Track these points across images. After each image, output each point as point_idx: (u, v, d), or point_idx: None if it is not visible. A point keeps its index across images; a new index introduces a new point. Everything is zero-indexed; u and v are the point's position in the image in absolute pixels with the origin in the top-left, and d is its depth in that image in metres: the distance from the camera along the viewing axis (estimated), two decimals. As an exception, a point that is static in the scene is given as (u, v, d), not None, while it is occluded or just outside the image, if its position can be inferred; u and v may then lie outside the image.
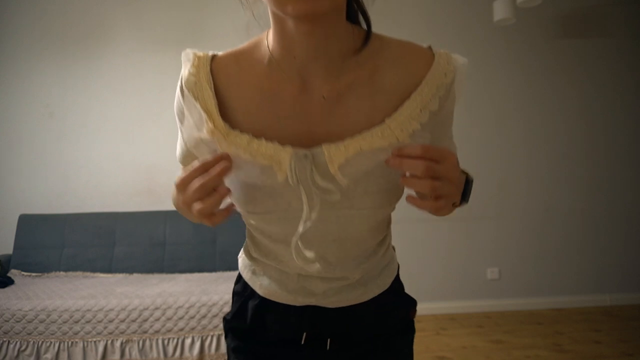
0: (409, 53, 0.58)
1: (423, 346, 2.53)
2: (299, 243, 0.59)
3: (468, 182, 0.59)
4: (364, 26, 0.59)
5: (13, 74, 3.13)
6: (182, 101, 0.59)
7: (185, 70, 0.58)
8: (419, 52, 0.59)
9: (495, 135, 3.25)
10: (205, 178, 0.50)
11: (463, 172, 0.59)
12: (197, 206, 0.51)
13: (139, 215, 2.92)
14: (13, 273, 2.70)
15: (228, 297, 2.06)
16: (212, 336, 2.01)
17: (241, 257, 0.75)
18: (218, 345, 2.00)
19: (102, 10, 3.18)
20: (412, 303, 0.77)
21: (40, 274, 2.72)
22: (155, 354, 1.98)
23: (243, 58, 0.58)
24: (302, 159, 0.54)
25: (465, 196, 0.58)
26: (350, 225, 0.60)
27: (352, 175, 0.55)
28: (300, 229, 0.56)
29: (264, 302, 0.70)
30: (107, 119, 3.14)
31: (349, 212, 0.59)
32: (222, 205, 0.54)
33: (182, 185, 0.52)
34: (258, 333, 0.71)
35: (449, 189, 0.51)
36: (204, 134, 0.56)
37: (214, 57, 0.59)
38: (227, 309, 2.02)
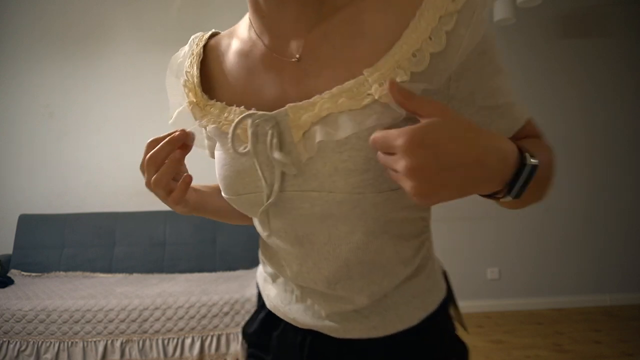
0: None
1: (423, 346, 2.53)
2: (278, 242, 0.52)
3: (524, 166, 0.40)
4: None
5: (13, 74, 3.13)
6: (168, 80, 0.60)
7: (181, 52, 0.59)
8: None
9: (495, 135, 3.24)
10: (155, 148, 0.50)
11: (520, 151, 0.41)
12: (152, 179, 0.50)
13: (139, 215, 2.92)
14: (13, 273, 2.70)
15: (228, 297, 2.06)
16: (212, 336, 2.01)
17: (259, 267, 0.70)
18: (218, 345, 2.00)
19: (102, 10, 3.18)
20: (459, 351, 0.59)
21: (40, 274, 2.71)
22: (155, 354, 1.98)
23: (235, 31, 0.56)
24: (263, 124, 0.46)
25: (513, 185, 0.40)
26: (332, 219, 0.48)
27: (323, 145, 0.44)
28: (264, 203, 0.48)
29: (271, 317, 0.63)
30: (107, 119, 3.14)
31: (322, 196, 0.46)
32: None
33: (142, 165, 0.52)
34: (266, 348, 0.64)
35: (411, 162, 0.35)
36: (185, 107, 0.55)
37: (214, 35, 0.59)
38: (227, 309, 2.03)
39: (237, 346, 1.99)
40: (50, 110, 3.13)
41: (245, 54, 0.52)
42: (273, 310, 0.63)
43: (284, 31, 0.48)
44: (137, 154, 3.23)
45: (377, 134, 0.38)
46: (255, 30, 0.51)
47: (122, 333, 1.99)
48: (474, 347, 2.51)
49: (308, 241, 0.52)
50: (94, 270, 2.74)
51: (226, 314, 2.03)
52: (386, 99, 0.41)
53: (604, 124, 3.28)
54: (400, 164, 0.36)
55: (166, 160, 0.51)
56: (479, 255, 3.21)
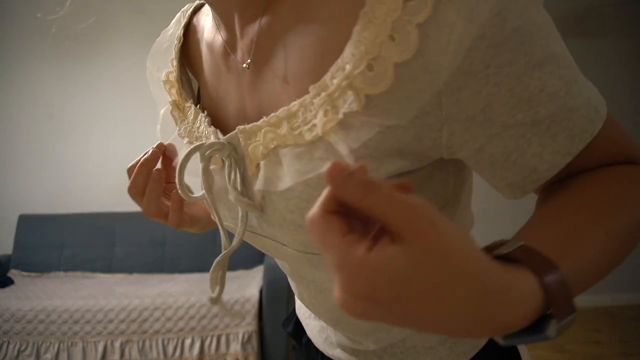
0: None
1: (423, 346, 2.53)
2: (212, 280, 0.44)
3: (537, 330, 0.24)
4: None
5: (13, 75, 3.13)
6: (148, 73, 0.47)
7: (166, 33, 0.48)
8: None
9: (495, 136, 3.25)
10: (132, 177, 0.42)
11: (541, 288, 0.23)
12: (143, 209, 0.43)
13: (139, 215, 2.92)
14: (13, 273, 2.70)
15: (228, 297, 2.06)
16: (212, 336, 2.01)
17: None
18: (218, 345, 2.00)
19: (102, 10, 3.18)
20: None
21: (39, 274, 2.71)
22: (155, 354, 1.98)
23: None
24: (218, 154, 0.36)
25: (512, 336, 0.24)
26: (300, 266, 0.41)
27: (266, 192, 0.34)
28: (220, 256, 0.41)
29: (298, 326, 0.59)
30: (107, 119, 3.14)
31: (278, 246, 0.38)
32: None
33: (132, 174, 0.44)
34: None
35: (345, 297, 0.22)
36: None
37: (198, 9, 0.46)
38: (227, 308, 2.02)
39: (237, 346, 1.99)
40: (50, 111, 3.13)
41: (210, 46, 0.41)
42: (299, 316, 0.58)
43: (232, 25, 0.37)
44: (138, 154, 3.23)
45: (311, 227, 0.22)
46: (214, 19, 0.40)
47: (122, 333, 1.99)
48: (474, 347, 2.51)
49: (297, 278, 0.45)
50: (93, 270, 2.74)
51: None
52: (334, 137, 0.29)
53: (604, 124, 3.28)
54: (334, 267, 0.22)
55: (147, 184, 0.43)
56: (479, 255, 3.21)
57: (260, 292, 2.12)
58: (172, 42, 0.46)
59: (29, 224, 2.86)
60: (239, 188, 0.35)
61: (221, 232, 0.39)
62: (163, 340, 2.00)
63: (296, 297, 0.55)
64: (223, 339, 2.00)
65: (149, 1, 3.19)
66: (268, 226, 0.36)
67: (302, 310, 0.56)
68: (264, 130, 0.33)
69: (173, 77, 0.44)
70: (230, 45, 0.38)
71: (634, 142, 0.32)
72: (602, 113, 0.32)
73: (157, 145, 0.45)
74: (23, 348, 1.97)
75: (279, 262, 0.50)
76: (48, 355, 1.96)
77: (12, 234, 2.89)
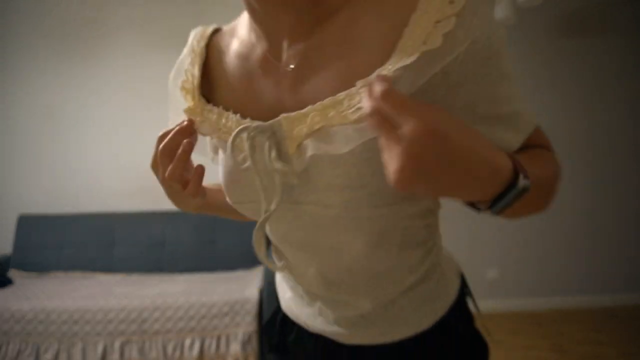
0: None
1: (423, 346, 2.53)
2: (282, 246, 0.52)
3: (513, 187, 0.38)
4: None
5: (13, 74, 3.13)
6: (176, 67, 0.56)
7: (193, 38, 0.56)
8: None
9: (495, 135, 3.25)
10: (166, 140, 0.48)
11: (515, 169, 0.39)
12: (167, 171, 0.48)
13: (139, 215, 2.92)
14: (12, 273, 2.70)
15: (228, 297, 2.06)
16: (212, 336, 2.01)
17: None
18: (218, 345, 1.99)
19: (102, 10, 3.18)
20: (478, 352, 0.57)
21: (39, 274, 2.71)
22: (154, 355, 1.98)
23: (235, 29, 0.53)
24: (260, 135, 0.45)
25: (497, 201, 0.39)
26: (332, 230, 0.47)
27: (316, 159, 0.43)
28: (260, 220, 0.47)
29: (285, 319, 0.65)
30: (107, 119, 3.14)
31: (318, 209, 0.46)
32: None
33: (155, 163, 0.51)
34: (284, 352, 0.65)
35: (407, 150, 0.33)
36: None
37: (216, 31, 0.55)
38: (227, 309, 2.02)
39: (237, 346, 1.99)
40: (50, 111, 3.13)
41: (245, 57, 0.50)
42: (287, 312, 0.63)
43: (280, 38, 0.46)
44: (137, 154, 3.23)
45: (386, 99, 0.34)
46: (254, 34, 0.49)
47: (121, 333, 1.99)
48: (474, 347, 2.51)
49: (311, 247, 0.51)
50: (93, 270, 2.74)
51: (226, 314, 2.02)
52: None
53: (605, 123, 3.28)
54: (400, 146, 0.33)
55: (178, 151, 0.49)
56: (479, 255, 3.21)
57: (260, 292, 2.12)
58: (186, 57, 0.54)
59: (28, 224, 2.86)
60: (275, 160, 0.44)
61: (261, 194, 0.46)
62: (163, 341, 2.00)
63: (288, 292, 0.62)
64: (223, 339, 2.00)
65: (148, 2, 3.18)
66: (312, 192, 0.45)
67: (292, 302, 0.62)
68: (312, 115, 0.42)
69: (189, 85, 0.52)
70: (273, 54, 0.47)
71: (547, 138, 0.52)
72: (534, 119, 0.48)
73: (188, 119, 0.50)
74: (23, 348, 1.97)
75: (280, 254, 0.58)
76: (48, 356, 1.96)
77: (12, 234, 2.89)
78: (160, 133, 0.50)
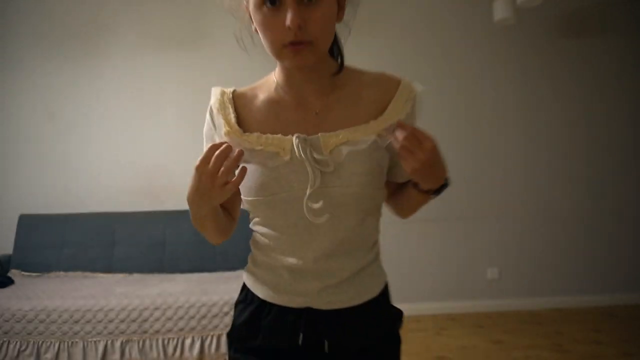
0: (382, 78, 0.76)
1: (423, 346, 2.53)
2: (289, 230, 0.72)
3: (445, 184, 0.72)
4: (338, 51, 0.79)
5: (14, 75, 3.14)
6: (210, 120, 0.76)
7: (213, 98, 0.77)
8: (389, 77, 0.76)
9: (495, 135, 3.25)
10: (223, 158, 0.63)
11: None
12: (222, 168, 0.63)
13: (139, 216, 2.93)
14: (13, 273, 2.70)
15: (228, 297, 2.06)
16: (212, 336, 2.01)
17: (246, 269, 0.86)
18: (218, 345, 2.00)
19: (102, 10, 3.18)
20: (399, 315, 0.83)
21: (40, 274, 2.72)
22: (155, 354, 1.98)
23: (257, 87, 0.79)
24: (303, 142, 0.69)
25: (439, 191, 0.73)
26: (345, 206, 0.71)
27: (340, 158, 0.70)
28: (308, 191, 0.68)
29: (262, 306, 0.78)
30: (107, 119, 3.14)
31: (340, 189, 0.70)
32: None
33: (203, 163, 0.63)
34: (255, 338, 0.77)
35: (425, 157, 0.63)
36: (223, 137, 0.72)
37: (234, 90, 0.79)
38: (227, 309, 2.03)
39: (237, 346, 1.99)
40: (51, 111, 3.14)
41: (275, 102, 0.75)
42: (267, 299, 0.77)
43: (307, 95, 0.74)
44: (137, 154, 3.23)
45: (407, 129, 0.64)
46: (283, 89, 0.75)
47: (122, 333, 2.00)
48: (474, 347, 2.51)
49: (315, 226, 0.70)
50: (94, 270, 2.74)
51: (226, 314, 2.03)
52: (379, 137, 0.71)
53: (604, 124, 3.28)
54: (420, 154, 0.63)
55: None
56: (479, 255, 3.21)
57: (260, 292, 2.12)
58: (214, 107, 0.77)
59: (29, 224, 2.86)
60: (317, 155, 0.69)
61: (311, 175, 0.68)
62: (163, 340, 2.00)
63: (265, 284, 0.79)
64: (223, 339, 2.01)
65: (148, 3, 3.19)
66: (338, 178, 0.69)
67: (270, 288, 0.77)
68: (342, 134, 0.71)
69: (228, 128, 0.74)
70: (300, 103, 0.75)
71: None
72: None
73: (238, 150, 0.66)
74: (23, 348, 1.98)
75: (266, 246, 0.77)
76: (48, 355, 1.97)
77: (13, 234, 2.89)
78: (211, 144, 0.64)
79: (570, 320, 2.91)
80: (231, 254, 2.73)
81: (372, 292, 0.77)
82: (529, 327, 2.80)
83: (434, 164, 0.65)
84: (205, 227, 0.77)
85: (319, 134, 0.70)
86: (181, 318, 2.02)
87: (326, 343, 0.74)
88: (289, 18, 0.61)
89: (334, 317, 0.74)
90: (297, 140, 0.69)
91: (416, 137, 0.63)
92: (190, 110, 3.10)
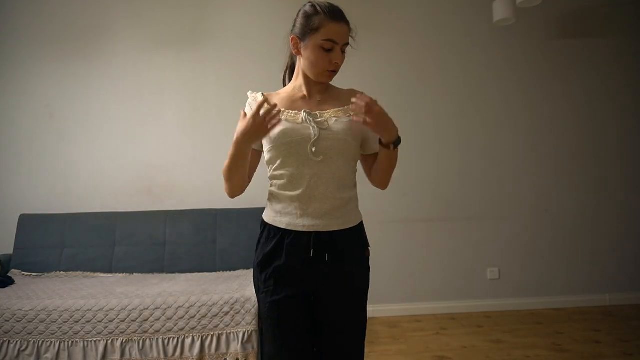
0: (349, 91, 1.20)
1: (423, 346, 2.53)
2: (300, 178, 1.08)
3: (399, 139, 1.08)
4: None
5: (13, 74, 3.14)
6: (249, 105, 1.17)
7: (250, 97, 1.19)
8: (352, 90, 1.20)
9: (495, 135, 3.25)
10: (268, 109, 1.00)
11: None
12: (272, 112, 1.00)
13: (139, 215, 2.93)
14: (13, 273, 2.70)
15: (228, 297, 2.06)
16: (212, 336, 2.01)
17: (265, 213, 1.17)
18: (218, 345, 2.00)
19: (102, 10, 3.18)
20: (367, 243, 1.19)
21: (40, 274, 2.72)
22: (155, 354, 1.98)
23: (278, 92, 1.22)
24: (308, 114, 1.11)
25: (396, 144, 1.07)
26: (338, 151, 1.09)
27: (331, 122, 1.11)
28: (312, 134, 1.08)
29: (284, 234, 1.10)
30: (107, 119, 3.14)
31: (330, 141, 1.09)
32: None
33: (257, 112, 0.99)
34: (280, 257, 1.09)
35: (378, 110, 1.00)
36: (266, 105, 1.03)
37: (262, 93, 1.19)
38: (227, 309, 2.03)
39: (237, 346, 1.99)
40: (51, 111, 3.14)
41: (292, 95, 1.18)
42: (288, 227, 1.10)
43: (314, 93, 1.18)
44: (137, 154, 3.22)
45: (365, 99, 1.00)
46: (299, 90, 1.19)
47: (122, 333, 2.00)
48: (474, 347, 2.51)
49: (327, 161, 1.08)
50: (94, 270, 2.75)
51: (226, 313, 2.03)
52: (355, 115, 1.03)
53: (604, 123, 3.29)
54: (375, 107, 1.00)
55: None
56: (478, 255, 3.21)
57: (261, 291, 2.12)
58: (254, 102, 1.17)
59: (29, 224, 2.87)
60: (316, 120, 1.12)
61: (312, 127, 1.09)
62: (163, 340, 2.00)
63: (285, 218, 1.11)
64: (223, 339, 2.01)
65: (148, 3, 3.19)
66: (331, 133, 1.09)
67: (289, 220, 1.10)
68: (331, 112, 1.13)
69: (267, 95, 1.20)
70: (308, 97, 1.17)
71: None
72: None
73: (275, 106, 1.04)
74: (24, 347, 1.98)
75: (285, 196, 1.12)
76: (48, 355, 1.97)
77: (13, 234, 2.89)
78: (261, 101, 1.00)
79: (570, 320, 2.92)
80: (231, 254, 2.73)
81: (354, 222, 1.14)
82: (529, 327, 2.80)
83: (385, 119, 1.02)
84: (233, 173, 1.08)
85: (317, 112, 1.13)
86: (181, 318, 2.02)
87: (327, 255, 1.08)
88: (337, 59, 1.10)
89: (330, 238, 1.09)
90: (304, 113, 1.11)
91: (369, 103, 0.99)
92: (191, 111, 3.10)
